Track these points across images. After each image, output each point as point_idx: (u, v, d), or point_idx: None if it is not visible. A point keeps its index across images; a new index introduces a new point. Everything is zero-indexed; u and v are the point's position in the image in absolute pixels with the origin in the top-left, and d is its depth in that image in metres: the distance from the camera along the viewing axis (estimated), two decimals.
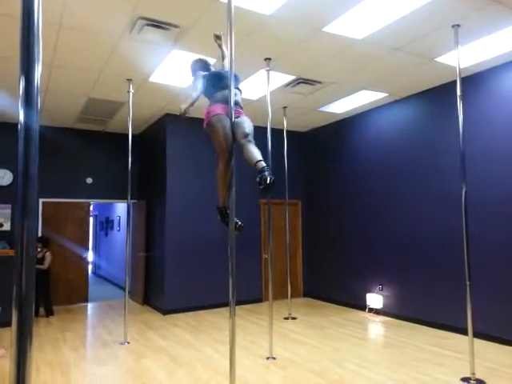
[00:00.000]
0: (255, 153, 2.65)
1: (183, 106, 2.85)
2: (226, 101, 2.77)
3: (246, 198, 7.14)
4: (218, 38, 3.33)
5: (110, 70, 5.11)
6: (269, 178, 2.44)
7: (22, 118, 1.00)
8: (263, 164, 2.56)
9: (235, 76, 2.84)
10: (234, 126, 2.70)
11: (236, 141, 2.70)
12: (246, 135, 2.71)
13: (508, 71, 5.00)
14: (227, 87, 2.73)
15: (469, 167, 4.49)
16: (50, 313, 6.86)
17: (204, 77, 3.05)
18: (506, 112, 5.01)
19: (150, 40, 4.31)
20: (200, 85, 2.99)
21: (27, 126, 1.00)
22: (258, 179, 2.50)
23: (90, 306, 7.86)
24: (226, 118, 2.74)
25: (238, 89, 2.98)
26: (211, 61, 4.82)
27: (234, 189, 2.66)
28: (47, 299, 6.87)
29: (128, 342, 5.25)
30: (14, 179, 7.24)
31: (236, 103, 2.81)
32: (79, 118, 7.24)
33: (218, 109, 2.83)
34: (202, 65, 3.31)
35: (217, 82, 2.95)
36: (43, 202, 7.54)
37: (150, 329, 5.99)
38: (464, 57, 4.72)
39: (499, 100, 5.09)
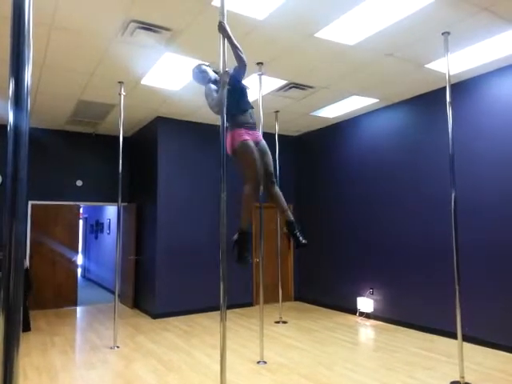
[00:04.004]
0: (283, 198, 2.81)
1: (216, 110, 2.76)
2: (248, 125, 2.81)
3: (237, 201, 7.14)
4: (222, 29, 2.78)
5: (102, 72, 5.08)
6: (304, 241, 2.63)
7: (11, 119, 0.98)
8: (292, 218, 2.77)
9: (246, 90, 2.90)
10: (261, 153, 2.84)
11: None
12: (271, 174, 2.81)
13: (497, 78, 5.08)
14: (249, 107, 2.83)
15: (458, 172, 4.54)
16: (24, 326, 5.62)
17: (228, 91, 2.79)
18: (494, 118, 5.08)
19: (142, 43, 4.30)
20: (223, 97, 2.73)
21: (17, 128, 0.98)
22: (286, 231, 2.67)
23: (79, 309, 7.78)
24: (253, 145, 2.79)
25: (252, 107, 2.98)
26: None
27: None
28: (23, 308, 5.72)
29: (118, 347, 5.20)
30: (2, 181, 7.16)
31: (254, 125, 2.86)
32: (70, 120, 7.18)
33: (244, 134, 2.81)
34: (209, 72, 3.12)
35: (241, 99, 2.89)
36: (32, 205, 7.46)
37: (140, 333, 5.94)
38: (454, 64, 4.78)
39: (488, 106, 5.16)
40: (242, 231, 2.92)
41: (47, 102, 6.15)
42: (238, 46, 2.82)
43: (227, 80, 2.71)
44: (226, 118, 2.75)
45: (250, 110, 2.92)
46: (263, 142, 2.93)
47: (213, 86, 2.93)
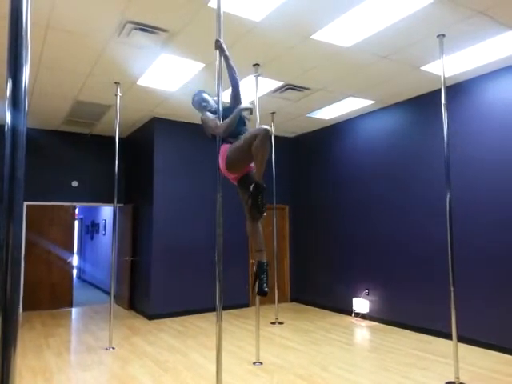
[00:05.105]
0: (262, 238, 2.72)
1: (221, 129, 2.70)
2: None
3: (233, 202, 7.15)
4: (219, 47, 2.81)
5: (98, 73, 5.07)
6: (266, 289, 2.60)
7: (8, 120, 0.99)
8: (265, 261, 2.66)
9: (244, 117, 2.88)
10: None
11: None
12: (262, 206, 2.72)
13: (491, 81, 5.11)
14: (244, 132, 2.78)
15: (453, 174, 4.57)
16: None
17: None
18: (489, 120, 5.12)
19: (138, 44, 4.30)
20: (231, 124, 2.72)
21: (14, 129, 0.99)
22: (255, 270, 2.60)
23: (74, 310, 7.75)
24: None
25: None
26: (199, 66, 4.86)
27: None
28: None
29: (113, 348, 5.18)
30: None
31: None
32: (65, 121, 7.16)
33: (227, 144, 2.77)
34: (210, 102, 3.08)
35: (240, 127, 2.87)
36: (28, 205, 7.43)
37: (135, 334, 5.92)
38: (449, 66, 4.81)
39: (483, 109, 5.20)
40: (259, 184, 2.72)
41: (43, 102, 6.13)
42: (234, 67, 2.84)
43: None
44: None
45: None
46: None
47: (210, 115, 2.87)
